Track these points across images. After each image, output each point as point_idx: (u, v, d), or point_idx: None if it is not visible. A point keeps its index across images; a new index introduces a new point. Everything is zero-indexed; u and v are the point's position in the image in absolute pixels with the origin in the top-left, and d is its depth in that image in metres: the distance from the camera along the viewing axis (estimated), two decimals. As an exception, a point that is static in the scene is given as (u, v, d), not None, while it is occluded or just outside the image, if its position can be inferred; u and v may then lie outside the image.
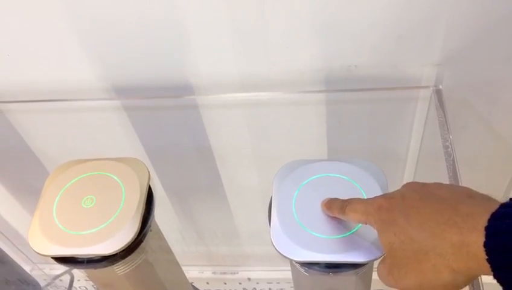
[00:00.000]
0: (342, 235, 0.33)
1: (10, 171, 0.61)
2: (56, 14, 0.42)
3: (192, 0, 0.40)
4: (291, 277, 0.42)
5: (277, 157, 0.50)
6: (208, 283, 0.81)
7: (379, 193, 0.34)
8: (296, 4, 0.39)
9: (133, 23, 0.43)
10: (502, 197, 0.56)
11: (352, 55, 0.42)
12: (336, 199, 0.34)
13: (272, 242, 0.34)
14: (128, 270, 0.39)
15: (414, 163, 0.49)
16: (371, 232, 0.32)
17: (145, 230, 0.37)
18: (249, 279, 0.81)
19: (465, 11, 0.38)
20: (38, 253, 0.36)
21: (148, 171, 0.39)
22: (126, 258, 0.37)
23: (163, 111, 0.51)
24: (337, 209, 0.33)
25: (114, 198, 0.37)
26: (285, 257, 0.33)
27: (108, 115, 0.52)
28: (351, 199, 0.32)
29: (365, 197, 0.34)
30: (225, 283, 0.82)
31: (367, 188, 0.35)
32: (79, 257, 0.36)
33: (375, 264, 0.39)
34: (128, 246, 0.36)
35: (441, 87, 0.42)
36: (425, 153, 0.48)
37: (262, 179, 0.59)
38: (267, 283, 0.81)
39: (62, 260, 0.37)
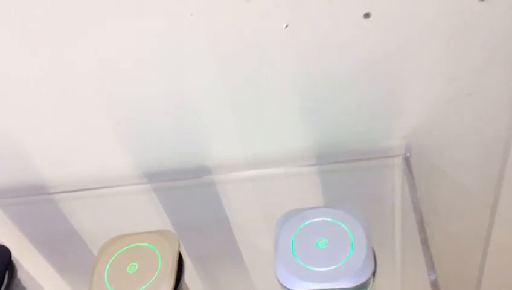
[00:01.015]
0: (333, 267, 0.41)
1: (59, 252, 0.71)
2: (97, 118, 0.54)
3: (205, 104, 0.51)
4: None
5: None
6: None
7: (362, 232, 0.42)
8: (286, 101, 0.50)
9: (159, 120, 0.54)
10: (483, 243, 0.65)
11: (336, 135, 0.53)
12: None
13: (276, 277, 0.42)
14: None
15: (400, 219, 0.58)
16: (357, 260, 0.40)
17: (178, 287, 0.46)
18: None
19: (422, 94, 0.49)
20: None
21: (178, 239, 0.49)
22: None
23: (186, 190, 0.61)
24: None
25: (152, 263, 0.47)
26: (287, 288, 0.41)
27: (140, 197, 0.62)
28: None
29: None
30: None
31: (352, 229, 0.43)
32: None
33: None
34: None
35: (408, 155, 0.51)
36: (406, 211, 0.57)
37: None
38: None
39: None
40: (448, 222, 0.61)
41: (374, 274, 0.42)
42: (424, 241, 0.43)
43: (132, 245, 0.49)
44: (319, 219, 0.44)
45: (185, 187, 0.61)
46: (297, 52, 0.46)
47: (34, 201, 0.63)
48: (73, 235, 0.66)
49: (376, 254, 0.45)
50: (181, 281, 0.47)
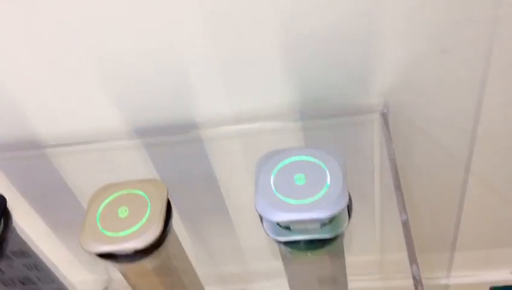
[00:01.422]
0: (310, 200, 0.43)
1: (50, 205, 0.74)
2: (87, 74, 0.56)
3: (192, 60, 0.53)
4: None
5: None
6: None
7: (338, 169, 0.45)
8: (272, 54, 0.52)
9: (148, 78, 0.56)
10: (458, 200, 0.68)
11: (318, 92, 0.55)
12: None
13: (256, 209, 0.45)
14: (155, 264, 0.51)
15: (378, 170, 0.61)
16: (332, 194, 0.43)
17: (167, 229, 0.49)
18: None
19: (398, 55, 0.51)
20: (88, 251, 0.48)
21: (166, 187, 0.51)
22: (154, 253, 0.49)
23: (175, 145, 0.64)
24: None
25: (142, 208, 0.50)
26: (267, 218, 0.44)
27: (129, 152, 0.64)
28: None
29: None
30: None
31: (329, 166, 0.46)
32: (118, 252, 0.48)
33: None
34: (155, 242, 0.48)
35: (385, 111, 0.54)
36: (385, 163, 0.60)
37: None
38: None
39: (106, 256, 0.49)
40: (425, 177, 0.65)
41: (349, 215, 0.46)
42: (398, 187, 0.46)
43: (123, 192, 0.52)
44: (298, 157, 0.47)
45: (174, 143, 0.63)
46: (283, 10, 0.48)
47: (26, 155, 0.66)
48: (65, 189, 0.69)
49: (354, 201, 0.48)
50: (169, 225, 0.50)
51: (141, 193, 0.51)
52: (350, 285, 0.59)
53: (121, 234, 0.48)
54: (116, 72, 0.55)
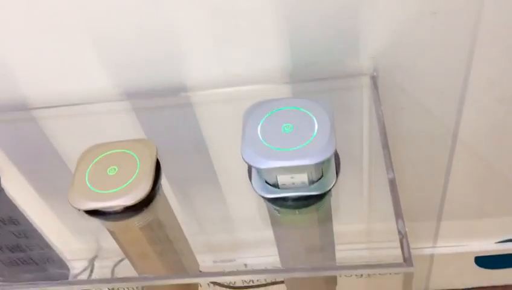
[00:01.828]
0: (297, 147, 0.43)
1: (38, 171, 0.73)
2: (77, 35, 0.55)
3: (183, 22, 0.53)
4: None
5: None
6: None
7: (326, 118, 0.45)
8: (263, 18, 0.52)
9: (137, 40, 0.55)
10: (445, 168, 0.69)
11: (308, 55, 0.55)
12: None
13: (242, 157, 0.44)
14: (144, 223, 0.51)
15: (367, 135, 0.62)
16: (319, 141, 0.43)
17: (156, 188, 0.49)
18: (245, 265, 0.92)
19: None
20: (77, 208, 0.48)
21: (156, 147, 0.51)
22: (142, 212, 0.49)
23: (164, 109, 0.63)
24: None
25: (131, 167, 0.50)
26: (254, 166, 0.44)
27: (119, 115, 0.64)
28: None
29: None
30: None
31: (317, 116, 0.46)
32: (107, 209, 0.48)
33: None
34: (143, 200, 0.48)
35: (375, 74, 0.54)
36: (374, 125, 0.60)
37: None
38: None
39: (94, 213, 0.49)
40: (413, 143, 0.65)
41: (337, 173, 0.46)
42: (385, 146, 0.47)
43: (112, 151, 0.52)
44: (286, 107, 0.47)
45: (163, 106, 0.63)
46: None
47: (15, 118, 0.65)
48: (52, 153, 0.69)
49: (343, 163, 0.49)
50: (158, 184, 0.50)
51: (130, 152, 0.51)
52: (338, 254, 0.60)
53: (110, 191, 0.48)
54: (107, 33, 0.55)
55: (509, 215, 0.80)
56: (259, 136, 0.45)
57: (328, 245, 0.56)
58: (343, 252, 0.63)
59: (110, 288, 0.59)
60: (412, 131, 0.64)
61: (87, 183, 0.49)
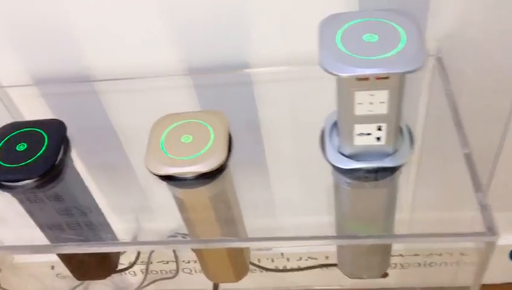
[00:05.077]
0: (383, 56, 0.38)
1: (90, 146, 0.74)
2: (146, 10, 0.57)
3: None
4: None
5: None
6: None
7: (414, 29, 0.39)
8: None
9: (204, 14, 0.57)
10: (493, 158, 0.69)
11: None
12: None
13: (320, 65, 0.39)
14: (215, 192, 0.53)
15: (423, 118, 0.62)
16: (409, 50, 0.38)
17: (228, 159, 0.50)
18: (282, 254, 0.92)
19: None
20: (154, 172, 0.49)
21: (228, 120, 0.52)
22: (215, 179, 0.50)
23: (224, 86, 0.65)
24: None
25: (205, 136, 0.51)
26: (332, 73, 0.39)
27: (180, 90, 0.65)
28: None
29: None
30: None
31: (404, 26, 0.40)
32: (183, 175, 0.49)
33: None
34: (218, 168, 0.49)
35: (440, 56, 0.55)
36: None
37: (300, 150, 0.72)
38: (297, 260, 0.92)
39: (169, 178, 0.50)
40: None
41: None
42: (458, 123, 0.48)
43: (185, 121, 0.53)
44: (367, 18, 0.42)
45: (223, 83, 0.64)
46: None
47: (79, 90, 0.66)
48: (108, 128, 0.69)
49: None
50: (230, 155, 0.51)
51: (204, 122, 0.52)
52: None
53: (186, 158, 0.49)
54: (172, 8, 0.56)
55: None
56: (339, 44, 0.40)
57: (389, 216, 0.56)
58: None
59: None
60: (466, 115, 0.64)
61: (163, 149, 0.50)
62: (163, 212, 0.88)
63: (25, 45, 0.61)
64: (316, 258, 0.89)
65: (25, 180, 0.51)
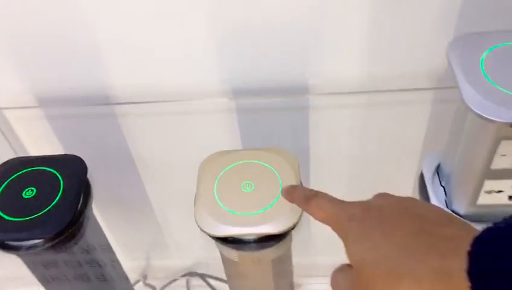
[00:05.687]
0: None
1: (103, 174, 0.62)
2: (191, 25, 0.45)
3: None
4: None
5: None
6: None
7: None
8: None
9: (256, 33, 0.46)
10: None
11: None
12: (298, 187, 0.34)
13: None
14: (278, 254, 0.41)
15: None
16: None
17: (300, 217, 0.39)
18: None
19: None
20: (208, 233, 0.37)
21: (297, 160, 0.41)
22: (283, 240, 0.39)
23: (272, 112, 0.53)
24: (299, 198, 0.30)
25: (272, 184, 0.39)
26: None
27: (217, 116, 0.54)
28: (318, 192, 0.29)
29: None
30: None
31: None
32: (247, 237, 0.38)
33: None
34: (291, 228, 0.38)
35: None
36: None
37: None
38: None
39: (226, 240, 0.38)
40: None
41: None
42: None
43: (244, 161, 0.41)
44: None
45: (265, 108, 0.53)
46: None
47: (89, 112, 0.54)
48: (125, 155, 0.57)
49: None
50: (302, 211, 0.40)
51: (268, 165, 0.41)
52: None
53: (249, 214, 0.38)
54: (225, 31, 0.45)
55: None
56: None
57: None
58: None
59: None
60: None
61: (217, 200, 0.38)
62: (179, 248, 0.76)
63: (27, 59, 0.49)
64: None
65: (34, 239, 0.38)
